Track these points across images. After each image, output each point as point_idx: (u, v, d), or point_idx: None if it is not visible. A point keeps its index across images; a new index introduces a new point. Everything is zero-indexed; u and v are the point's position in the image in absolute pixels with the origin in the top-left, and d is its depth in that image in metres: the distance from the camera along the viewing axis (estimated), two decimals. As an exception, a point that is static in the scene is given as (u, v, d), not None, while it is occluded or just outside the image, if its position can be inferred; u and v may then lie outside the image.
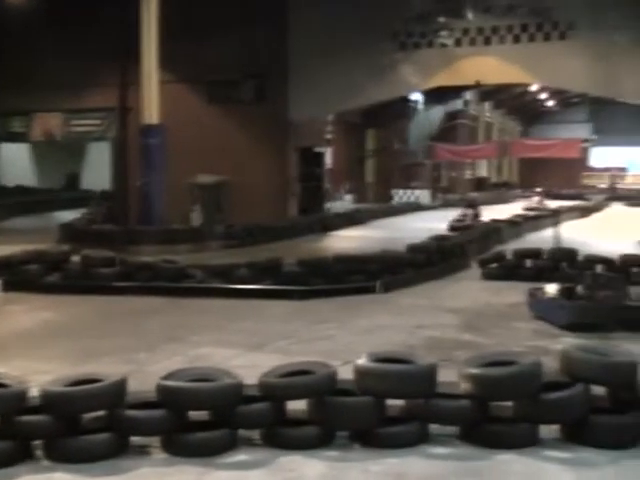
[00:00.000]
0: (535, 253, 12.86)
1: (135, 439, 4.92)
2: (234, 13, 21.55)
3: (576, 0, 19.53)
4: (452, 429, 5.15)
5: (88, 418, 4.92)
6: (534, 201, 31.76)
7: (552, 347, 7.56)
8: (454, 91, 36.04)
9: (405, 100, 35.34)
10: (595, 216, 30.29)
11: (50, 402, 4.75)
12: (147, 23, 17.25)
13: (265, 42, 21.69)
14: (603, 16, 19.05)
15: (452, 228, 19.59)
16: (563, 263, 12.24)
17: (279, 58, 21.86)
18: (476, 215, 22.61)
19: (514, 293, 10.99)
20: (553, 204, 28.93)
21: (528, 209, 25.58)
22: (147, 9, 17.19)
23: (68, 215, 21.73)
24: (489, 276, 12.76)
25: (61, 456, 4.70)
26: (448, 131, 45.06)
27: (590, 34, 19.26)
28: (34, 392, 4.90)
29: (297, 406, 5.09)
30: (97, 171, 30.82)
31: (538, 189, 42.18)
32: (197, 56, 21.82)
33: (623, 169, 57.36)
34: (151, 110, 17.47)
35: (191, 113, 22.06)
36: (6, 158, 31.69)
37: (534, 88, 42.45)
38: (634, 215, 25.68)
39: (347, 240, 20.18)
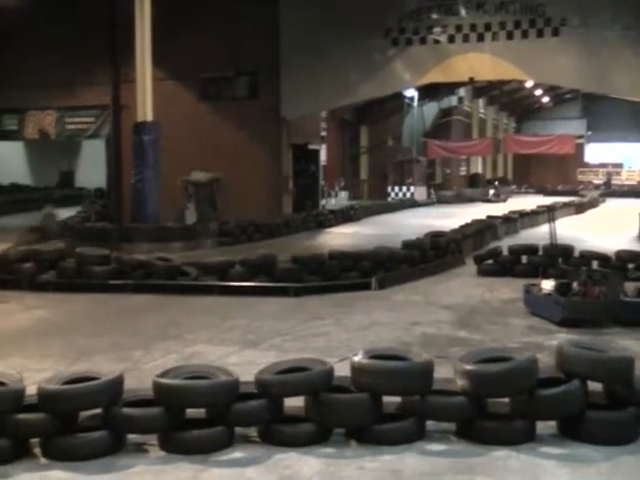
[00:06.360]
0: (530, 249, 12.86)
1: (132, 437, 4.92)
2: (226, 9, 21.50)
3: None
4: (448, 425, 5.15)
5: (85, 416, 4.91)
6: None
7: (547, 343, 7.59)
8: (448, 87, 36.18)
9: (399, 97, 35.41)
10: (590, 212, 30.38)
11: (47, 400, 4.75)
12: (141, 20, 17.16)
13: (258, 39, 21.65)
14: (594, 13, 19.13)
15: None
16: (559, 259, 12.25)
17: (271, 55, 21.81)
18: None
19: (509, 289, 11.03)
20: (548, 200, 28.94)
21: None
22: (140, 6, 17.12)
23: (62, 213, 21.66)
24: (484, 272, 12.76)
25: (58, 454, 4.69)
26: (442, 127, 45.11)
27: (582, 31, 19.30)
28: (31, 390, 4.89)
29: (293, 403, 5.09)
30: (91, 169, 30.84)
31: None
32: (189, 53, 21.77)
33: (619, 165, 57.48)
34: (145, 107, 17.39)
35: (184, 110, 22.01)
36: (1, 156, 31.59)
37: (528, 84, 42.50)
38: (629, 211, 25.63)
39: (342, 237, 20.17)
